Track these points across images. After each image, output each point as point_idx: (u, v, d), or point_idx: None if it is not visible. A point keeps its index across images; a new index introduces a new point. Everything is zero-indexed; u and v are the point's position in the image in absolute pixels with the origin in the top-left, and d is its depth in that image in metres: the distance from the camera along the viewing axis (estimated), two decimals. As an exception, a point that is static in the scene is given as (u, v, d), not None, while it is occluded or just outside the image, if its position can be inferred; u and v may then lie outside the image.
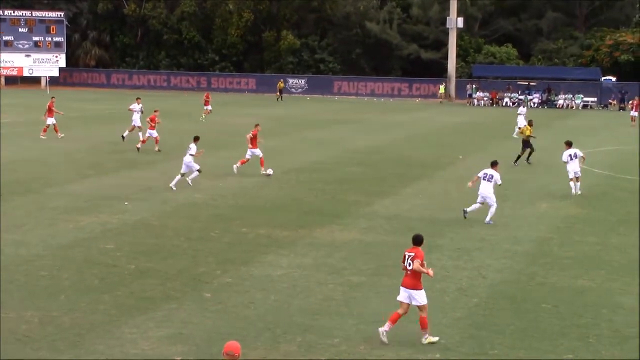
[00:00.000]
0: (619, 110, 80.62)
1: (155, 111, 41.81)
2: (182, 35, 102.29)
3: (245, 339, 14.97)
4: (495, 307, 17.26)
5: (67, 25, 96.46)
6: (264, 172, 33.69)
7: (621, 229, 25.15)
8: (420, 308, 15.08)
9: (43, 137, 45.75)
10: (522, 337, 15.44)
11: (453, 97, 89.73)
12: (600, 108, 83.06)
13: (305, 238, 23.09)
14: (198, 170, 30.78)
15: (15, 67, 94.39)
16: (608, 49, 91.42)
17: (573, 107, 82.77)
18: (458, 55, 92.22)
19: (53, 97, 50.56)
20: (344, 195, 29.96)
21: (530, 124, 39.39)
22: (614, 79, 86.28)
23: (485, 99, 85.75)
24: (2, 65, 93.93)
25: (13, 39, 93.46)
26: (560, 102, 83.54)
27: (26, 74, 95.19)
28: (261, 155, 34.16)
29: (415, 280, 15.10)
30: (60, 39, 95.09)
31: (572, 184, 30.45)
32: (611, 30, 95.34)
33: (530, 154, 38.34)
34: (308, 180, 33.01)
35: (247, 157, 34.37)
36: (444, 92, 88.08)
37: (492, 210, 25.47)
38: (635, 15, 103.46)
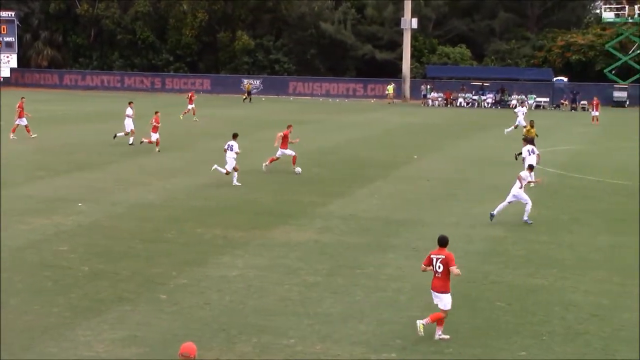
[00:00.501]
0: (571, 110, 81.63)
1: (156, 112, 41.78)
2: (136, 35, 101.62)
3: (200, 339, 14.91)
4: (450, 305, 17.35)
5: (18, 25, 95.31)
6: (295, 170, 34.73)
7: (572, 227, 25.46)
8: (442, 310, 15.24)
9: (12, 137, 45.72)
10: (477, 335, 15.57)
11: (407, 97, 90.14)
12: (552, 108, 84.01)
13: (260, 238, 23.05)
14: (226, 169, 31.87)
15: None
16: (559, 50, 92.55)
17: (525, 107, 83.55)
18: (412, 56, 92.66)
19: (23, 98, 50.26)
20: (299, 195, 29.95)
21: (531, 124, 39.82)
22: (565, 79, 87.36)
23: (439, 99, 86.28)
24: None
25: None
26: (513, 102, 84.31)
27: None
28: (293, 154, 35.06)
29: (444, 282, 15.22)
30: (11, 38, 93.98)
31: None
32: (562, 31, 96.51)
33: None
34: (263, 180, 32.95)
35: (278, 155, 35.34)
36: (391, 92, 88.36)
37: (528, 208, 25.76)
38: (585, 17, 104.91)
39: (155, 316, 16.23)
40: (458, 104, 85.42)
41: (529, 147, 32.39)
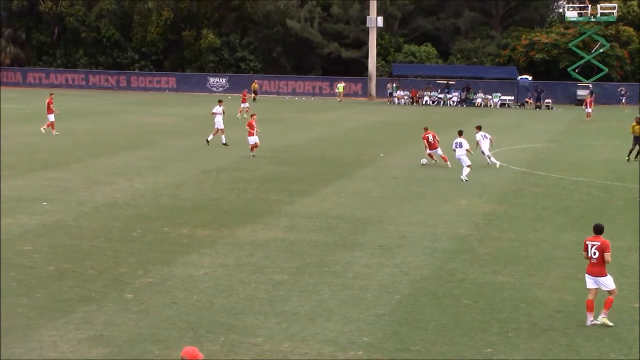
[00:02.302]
0: (535, 108, 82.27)
1: (253, 115, 40.50)
2: (101, 33, 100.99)
3: (168, 339, 14.88)
4: (417, 303, 17.45)
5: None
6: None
7: (537, 224, 25.66)
8: (610, 292, 16.01)
9: (42, 131, 47.46)
10: (443, 332, 15.64)
11: (374, 95, 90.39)
12: (517, 106, 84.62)
13: (226, 237, 23.00)
14: (468, 166, 33.50)
15: None
16: (523, 49, 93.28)
17: (491, 106, 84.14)
18: (378, 54, 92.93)
19: (52, 94, 51.67)
20: (265, 194, 29.92)
21: (638, 121, 40.21)
22: (529, 78, 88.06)
23: (406, 97, 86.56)
24: None
25: None
26: (478, 100, 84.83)
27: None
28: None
29: (600, 267, 15.91)
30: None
31: (486, 157, 33.93)
32: (526, 29, 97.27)
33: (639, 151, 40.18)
34: (228, 179, 32.88)
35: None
36: (341, 90, 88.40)
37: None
38: (549, 16, 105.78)
39: (121, 315, 16.14)
40: (424, 102, 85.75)
41: (482, 133, 37.10)
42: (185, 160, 37.58)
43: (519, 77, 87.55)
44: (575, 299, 17.80)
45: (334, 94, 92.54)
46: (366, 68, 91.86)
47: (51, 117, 48.24)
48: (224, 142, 43.04)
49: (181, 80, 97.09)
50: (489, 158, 37.34)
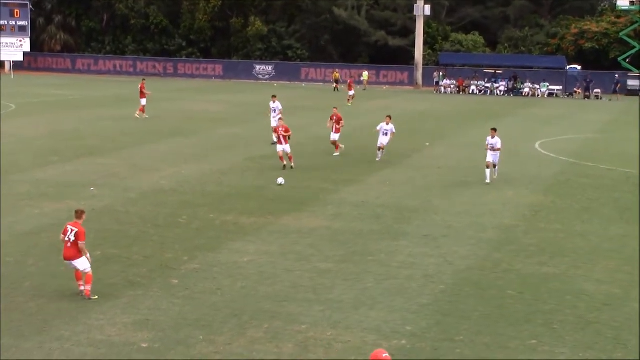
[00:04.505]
0: (584, 98, 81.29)
1: (334, 108, 38.13)
2: (149, 20, 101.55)
3: (212, 325, 15.00)
4: (461, 293, 17.39)
5: (31, 9, 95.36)
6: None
7: (584, 216, 25.40)
8: None
9: (137, 116, 49.08)
10: (487, 322, 15.57)
11: (420, 84, 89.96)
12: (565, 96, 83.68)
13: (272, 225, 23.09)
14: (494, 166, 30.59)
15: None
16: (573, 38, 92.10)
17: (538, 95, 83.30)
18: (425, 43, 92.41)
19: (144, 79, 54.59)
20: (310, 182, 29.96)
21: None
22: (578, 68, 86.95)
23: (452, 86, 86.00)
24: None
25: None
26: (526, 90, 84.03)
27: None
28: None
29: None
30: (24, 22, 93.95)
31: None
32: (576, 18, 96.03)
33: None
34: (273, 167, 32.95)
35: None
36: (366, 79, 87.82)
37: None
38: (599, 4, 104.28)
39: (167, 301, 16.30)
40: (470, 92, 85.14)
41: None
42: (230, 148, 37.75)
43: (568, 67, 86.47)
44: (622, 291, 17.63)
45: (380, 83, 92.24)
46: (413, 56, 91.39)
47: (143, 101, 50.00)
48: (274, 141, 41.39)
49: (228, 67, 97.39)
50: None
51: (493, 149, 30.21)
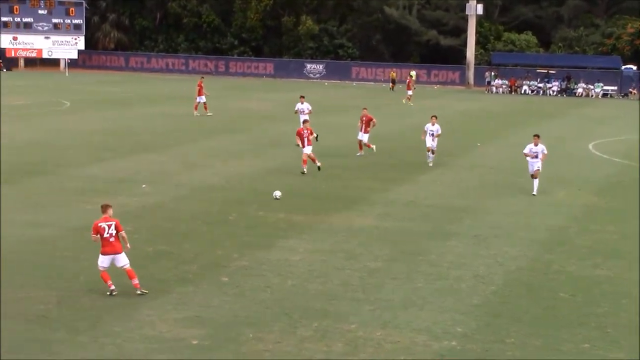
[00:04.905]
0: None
1: (364, 109, 36.68)
2: (201, 19, 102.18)
3: (262, 322, 15.03)
4: (512, 294, 17.23)
5: (86, 7, 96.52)
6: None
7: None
8: None
9: (196, 114, 49.66)
10: (539, 325, 15.40)
11: (471, 84, 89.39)
12: (620, 97, 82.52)
13: (321, 223, 23.09)
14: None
15: (34, 49, 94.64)
16: (629, 37, 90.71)
17: (592, 96, 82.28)
18: (477, 42, 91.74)
19: (202, 77, 55.11)
20: (361, 181, 29.92)
21: None
22: (634, 68, 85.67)
23: (504, 86, 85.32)
24: (22, 46, 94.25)
25: (32, 20, 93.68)
26: (579, 90, 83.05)
27: (45, 55, 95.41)
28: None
29: None
30: (79, 21, 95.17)
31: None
32: (632, 18, 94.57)
33: None
34: (324, 165, 32.94)
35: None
36: (413, 77, 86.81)
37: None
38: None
39: (217, 298, 16.38)
40: (523, 92, 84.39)
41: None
42: (280, 146, 37.83)
43: (623, 67, 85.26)
44: (677, 295, 17.31)
45: (431, 82, 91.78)
46: (464, 56, 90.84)
47: (202, 99, 50.61)
48: (316, 137, 40.23)
49: (279, 66, 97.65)
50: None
51: (536, 157, 27.96)
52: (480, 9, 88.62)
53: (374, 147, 35.35)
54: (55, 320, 14.90)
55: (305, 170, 30.43)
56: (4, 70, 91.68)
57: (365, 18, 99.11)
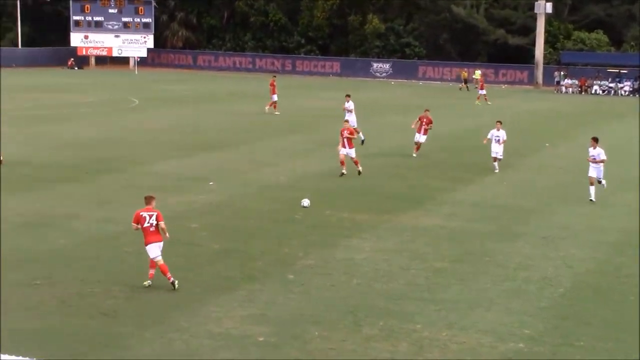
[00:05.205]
0: None
1: (426, 111, 35.90)
2: (268, 17, 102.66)
3: (327, 320, 15.04)
4: (581, 297, 16.98)
5: (155, 7, 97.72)
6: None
7: None
8: None
9: (267, 111, 50.12)
10: (609, 328, 15.14)
11: (540, 83, 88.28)
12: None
13: (387, 222, 23.03)
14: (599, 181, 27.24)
15: (104, 47, 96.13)
16: None
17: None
18: (546, 41, 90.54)
19: (274, 76, 55.98)
20: (427, 181, 29.78)
21: None
22: None
23: (574, 86, 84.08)
24: (92, 45, 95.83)
25: (103, 19, 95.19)
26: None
27: (115, 54, 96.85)
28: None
29: None
30: (148, 19, 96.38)
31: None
32: None
33: None
34: (390, 165, 32.91)
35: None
36: (479, 77, 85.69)
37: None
38: None
39: (283, 295, 16.44)
40: (593, 92, 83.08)
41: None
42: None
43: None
44: None
45: (499, 82, 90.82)
46: (532, 55, 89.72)
47: (274, 97, 51.01)
48: (363, 139, 37.76)
49: (345, 65, 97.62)
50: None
51: (595, 161, 26.85)
52: (549, 7, 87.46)
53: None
54: (124, 315, 15.11)
55: (344, 171, 29.61)
56: (75, 68, 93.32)
57: (433, 17, 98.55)
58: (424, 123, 34.77)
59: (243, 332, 14.45)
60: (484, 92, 65.76)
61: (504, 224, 23.24)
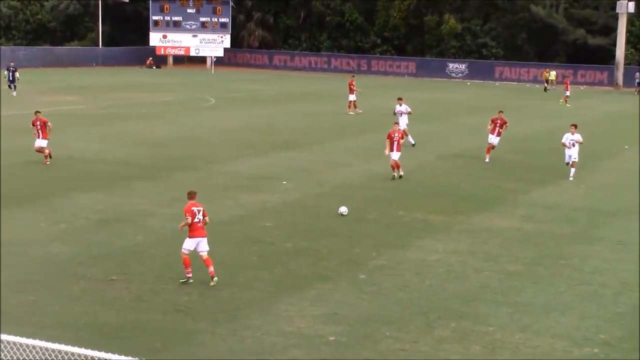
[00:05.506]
0: None
1: (500, 112, 34.72)
2: (344, 17, 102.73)
3: (399, 321, 14.98)
4: (659, 303, 16.59)
5: (232, 7, 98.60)
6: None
7: None
8: None
9: (350, 113, 50.27)
10: (689, 336, 14.77)
11: (620, 85, 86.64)
12: None
13: (461, 223, 22.85)
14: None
15: (182, 47, 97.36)
16: None
17: None
18: (627, 42, 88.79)
19: (353, 76, 55.72)
20: (502, 182, 29.47)
21: None
22: None
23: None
24: (170, 44, 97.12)
25: (181, 19, 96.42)
26: None
27: (192, 53, 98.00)
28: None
29: None
30: (225, 19, 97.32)
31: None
32: None
33: None
34: (464, 165, 32.64)
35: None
36: (553, 78, 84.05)
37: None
38: None
39: (354, 295, 16.43)
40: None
41: None
42: (421, 145, 37.60)
43: None
44: None
45: (578, 82, 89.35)
46: (613, 56, 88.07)
47: (352, 97, 51.14)
48: (413, 142, 36.89)
49: (421, 65, 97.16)
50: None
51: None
52: (632, 7, 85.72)
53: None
54: (197, 311, 15.27)
55: (396, 174, 28.98)
56: (154, 67, 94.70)
57: (510, 17, 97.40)
58: (498, 125, 33.97)
59: (314, 331, 14.48)
60: (568, 93, 64.91)
61: (580, 227, 22.87)
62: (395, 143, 28.98)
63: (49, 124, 30.54)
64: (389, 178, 28.92)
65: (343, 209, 23.46)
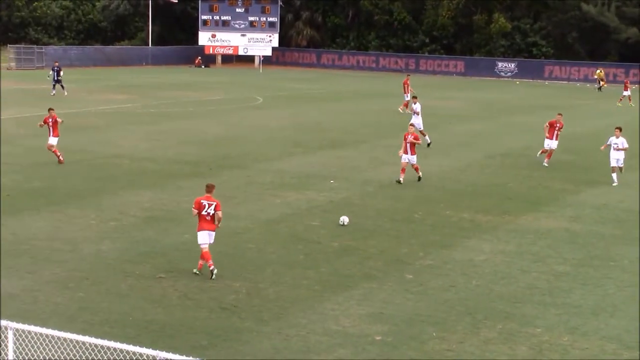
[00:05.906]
0: None
1: (559, 115, 33.87)
2: (393, 16, 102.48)
3: (445, 321, 14.92)
4: None
5: (281, 6, 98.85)
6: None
7: None
8: None
9: (400, 110, 49.92)
10: None
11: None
12: None
13: (508, 224, 22.69)
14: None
15: (231, 46, 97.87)
16: None
17: None
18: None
19: (408, 75, 56.31)
20: (551, 182, 29.19)
21: None
22: None
23: None
24: (219, 44, 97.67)
25: (230, 18, 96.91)
26: None
27: (241, 52, 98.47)
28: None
29: None
30: (274, 18, 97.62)
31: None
32: None
33: None
34: (513, 165, 32.39)
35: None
36: (602, 77, 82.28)
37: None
38: None
39: (400, 295, 16.39)
40: None
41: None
42: (470, 145, 37.44)
43: None
44: None
45: (631, 82, 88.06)
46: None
47: (406, 97, 50.80)
48: (429, 142, 36.62)
49: (469, 64, 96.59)
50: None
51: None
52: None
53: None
54: (244, 309, 15.35)
55: (402, 179, 27.89)
56: (202, 66, 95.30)
57: (561, 15, 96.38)
58: (557, 128, 32.74)
59: (360, 330, 14.47)
60: (628, 93, 64.06)
61: (630, 228, 22.58)
62: (408, 145, 27.72)
63: (59, 119, 30.60)
64: (415, 180, 28.31)
65: (344, 219, 22.20)
